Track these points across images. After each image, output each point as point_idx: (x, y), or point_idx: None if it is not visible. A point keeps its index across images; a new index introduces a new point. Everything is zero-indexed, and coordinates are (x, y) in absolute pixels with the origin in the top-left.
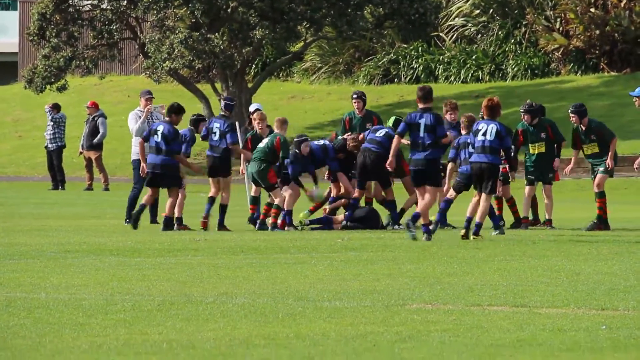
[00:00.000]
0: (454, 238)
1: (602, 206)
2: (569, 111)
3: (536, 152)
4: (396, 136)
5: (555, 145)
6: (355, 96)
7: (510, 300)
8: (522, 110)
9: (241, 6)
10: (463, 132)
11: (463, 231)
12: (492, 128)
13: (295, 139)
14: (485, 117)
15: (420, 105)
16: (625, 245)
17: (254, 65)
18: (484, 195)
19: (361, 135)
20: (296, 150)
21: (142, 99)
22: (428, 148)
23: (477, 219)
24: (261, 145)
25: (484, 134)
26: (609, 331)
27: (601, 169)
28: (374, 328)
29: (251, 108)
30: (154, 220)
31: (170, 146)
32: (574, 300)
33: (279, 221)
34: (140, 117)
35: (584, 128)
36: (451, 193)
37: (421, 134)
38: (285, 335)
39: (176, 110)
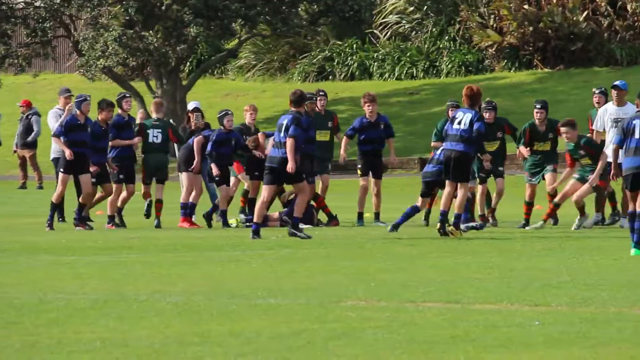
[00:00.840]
0: (387, 235)
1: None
2: (537, 106)
3: (492, 150)
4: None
5: (507, 138)
6: (322, 93)
7: (443, 297)
8: (487, 108)
9: (175, 4)
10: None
11: (438, 224)
12: (467, 117)
13: (218, 115)
14: (466, 106)
15: (292, 108)
16: (558, 242)
17: (188, 63)
18: (459, 184)
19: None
20: (220, 127)
21: (61, 98)
22: (283, 147)
23: (455, 210)
24: (155, 138)
25: (459, 123)
26: (541, 327)
27: (549, 168)
28: (308, 325)
29: (189, 106)
30: (62, 219)
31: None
32: (507, 297)
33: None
34: (60, 116)
35: (543, 127)
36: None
37: (282, 134)
38: (219, 332)
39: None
